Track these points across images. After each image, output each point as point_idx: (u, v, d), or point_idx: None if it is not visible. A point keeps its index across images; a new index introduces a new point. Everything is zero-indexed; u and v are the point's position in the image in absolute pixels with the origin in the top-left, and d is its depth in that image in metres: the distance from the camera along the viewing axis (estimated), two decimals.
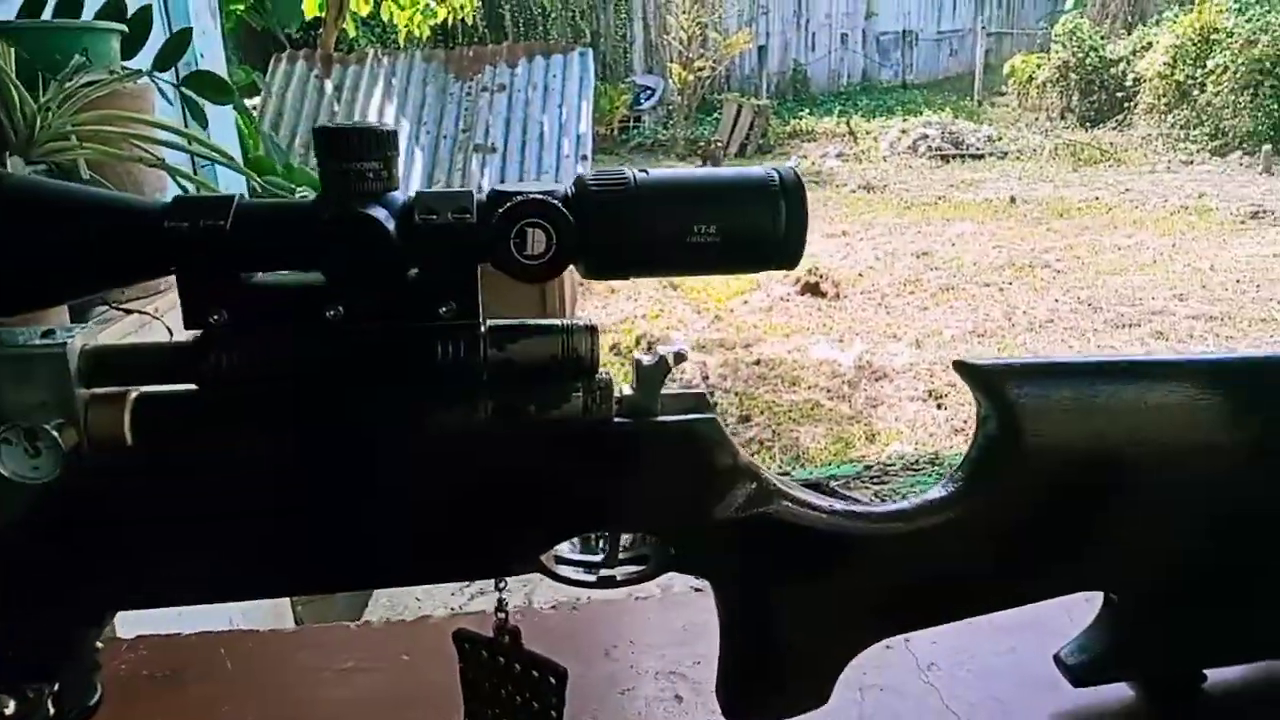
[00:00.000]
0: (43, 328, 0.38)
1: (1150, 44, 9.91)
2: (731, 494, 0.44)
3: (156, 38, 1.31)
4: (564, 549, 0.46)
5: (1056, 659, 0.54)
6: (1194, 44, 9.15)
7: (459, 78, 4.63)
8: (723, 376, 4.49)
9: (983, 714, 0.54)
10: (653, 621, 0.64)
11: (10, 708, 0.39)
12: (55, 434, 0.36)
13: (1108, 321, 4.47)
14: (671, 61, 11.59)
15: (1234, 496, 0.48)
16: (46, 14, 1.08)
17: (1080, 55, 10.40)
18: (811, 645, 0.48)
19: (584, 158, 4.34)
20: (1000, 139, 9.90)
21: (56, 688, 0.41)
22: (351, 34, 7.24)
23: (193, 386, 0.39)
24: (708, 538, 0.44)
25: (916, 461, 3.12)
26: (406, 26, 6.49)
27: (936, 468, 3.02)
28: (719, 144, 10.36)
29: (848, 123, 11.25)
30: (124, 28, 1.11)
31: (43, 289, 0.37)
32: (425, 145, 4.38)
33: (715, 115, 11.71)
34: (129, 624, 0.77)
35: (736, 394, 4.28)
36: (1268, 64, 8.56)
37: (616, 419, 0.42)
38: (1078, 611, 0.54)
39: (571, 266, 0.39)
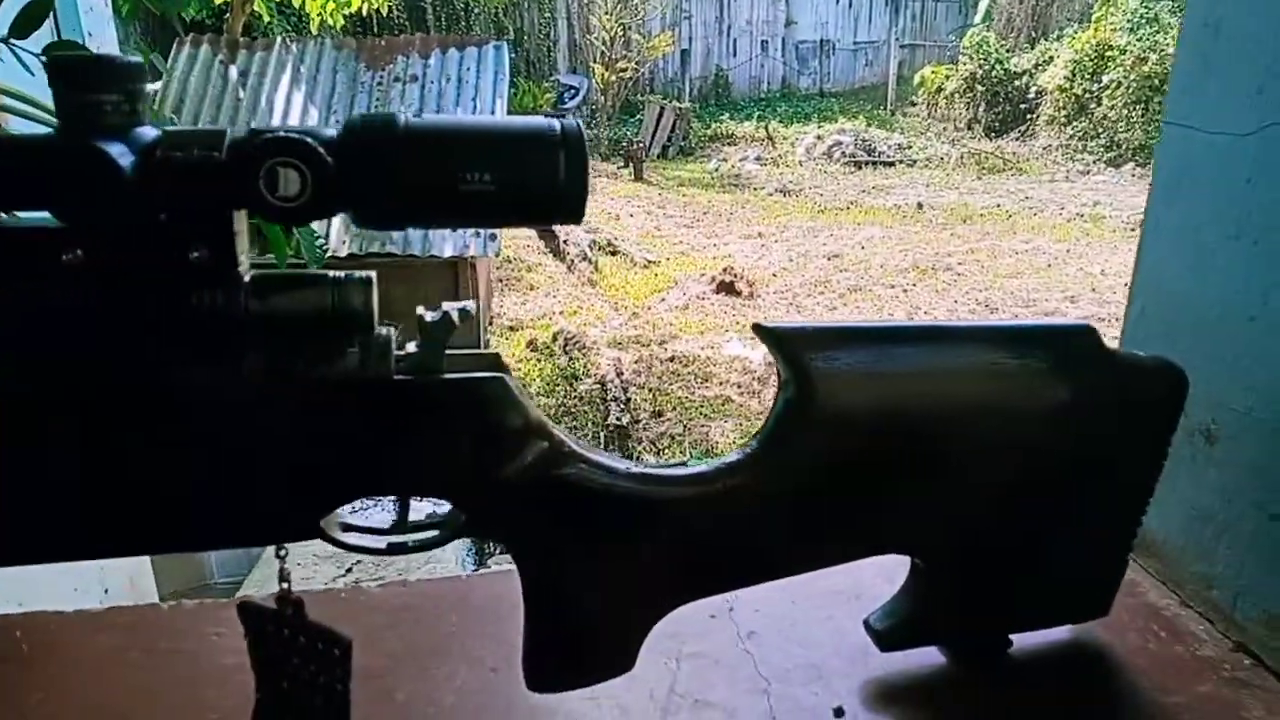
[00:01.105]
0: None
1: (1051, 58, 10.35)
2: (520, 456, 0.43)
3: (18, 2, 1.24)
4: (351, 515, 0.44)
5: (866, 624, 0.54)
6: (1091, 59, 9.59)
7: (370, 67, 4.53)
8: (637, 373, 4.50)
9: (795, 679, 0.54)
10: (478, 595, 0.63)
11: None
12: None
13: None
14: (595, 62, 11.57)
15: (1029, 462, 0.50)
16: None
17: (986, 67, 10.78)
18: (610, 611, 0.47)
19: None
20: (910, 147, 10.19)
21: None
22: (266, 19, 7.01)
23: None
24: (498, 501, 0.43)
25: None
26: (319, 15, 6.31)
27: None
28: (641, 145, 10.37)
29: (766, 128, 11.42)
30: None
31: None
32: None
33: (638, 117, 11.74)
34: None
35: (650, 389, 4.30)
36: (1157, 81, 9.02)
37: (397, 376, 0.41)
38: (897, 579, 0.55)
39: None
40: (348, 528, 0.44)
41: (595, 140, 11.22)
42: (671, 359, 4.65)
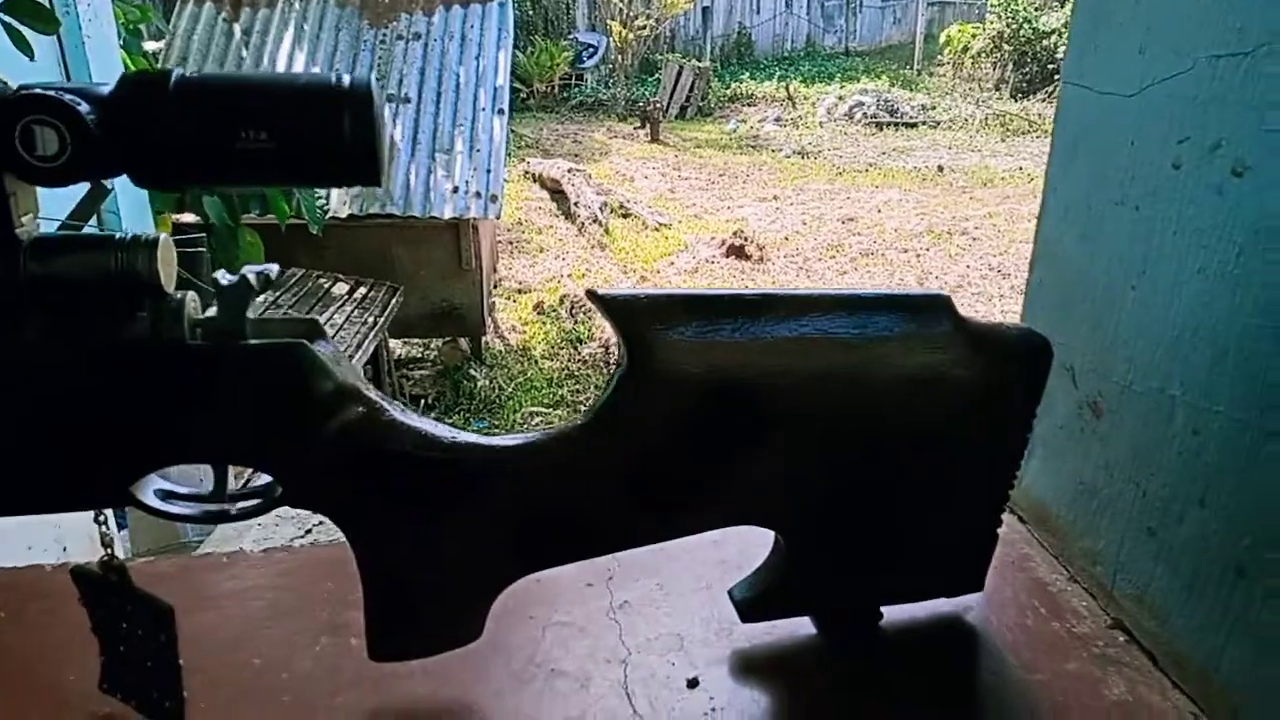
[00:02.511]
0: None
1: None
2: (329, 422, 0.42)
3: None
4: (165, 482, 0.43)
5: (730, 594, 0.53)
6: None
7: (373, 25, 4.49)
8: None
9: (655, 649, 0.53)
10: (340, 565, 0.63)
11: None
12: None
13: (1014, 288, 4.56)
14: (613, 20, 11.40)
15: (879, 432, 0.48)
16: None
17: (1014, 26, 10.50)
18: (443, 580, 0.46)
19: (500, 111, 4.25)
20: (934, 108, 9.98)
21: None
22: None
23: None
24: (309, 469, 0.43)
25: None
26: None
27: None
28: (658, 105, 10.24)
29: (787, 88, 11.22)
30: None
31: None
32: None
33: (657, 76, 11.58)
34: None
35: None
36: None
37: (191, 342, 0.40)
38: None
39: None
40: (168, 495, 0.44)
41: (613, 100, 11.09)
42: None
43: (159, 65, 4.03)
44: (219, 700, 0.49)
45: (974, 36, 11.13)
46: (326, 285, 3.73)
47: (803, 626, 0.55)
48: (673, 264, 5.55)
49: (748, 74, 12.77)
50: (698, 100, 10.92)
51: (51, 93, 0.34)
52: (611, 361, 4.30)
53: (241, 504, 0.44)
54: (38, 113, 0.34)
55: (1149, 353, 0.50)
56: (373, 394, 0.43)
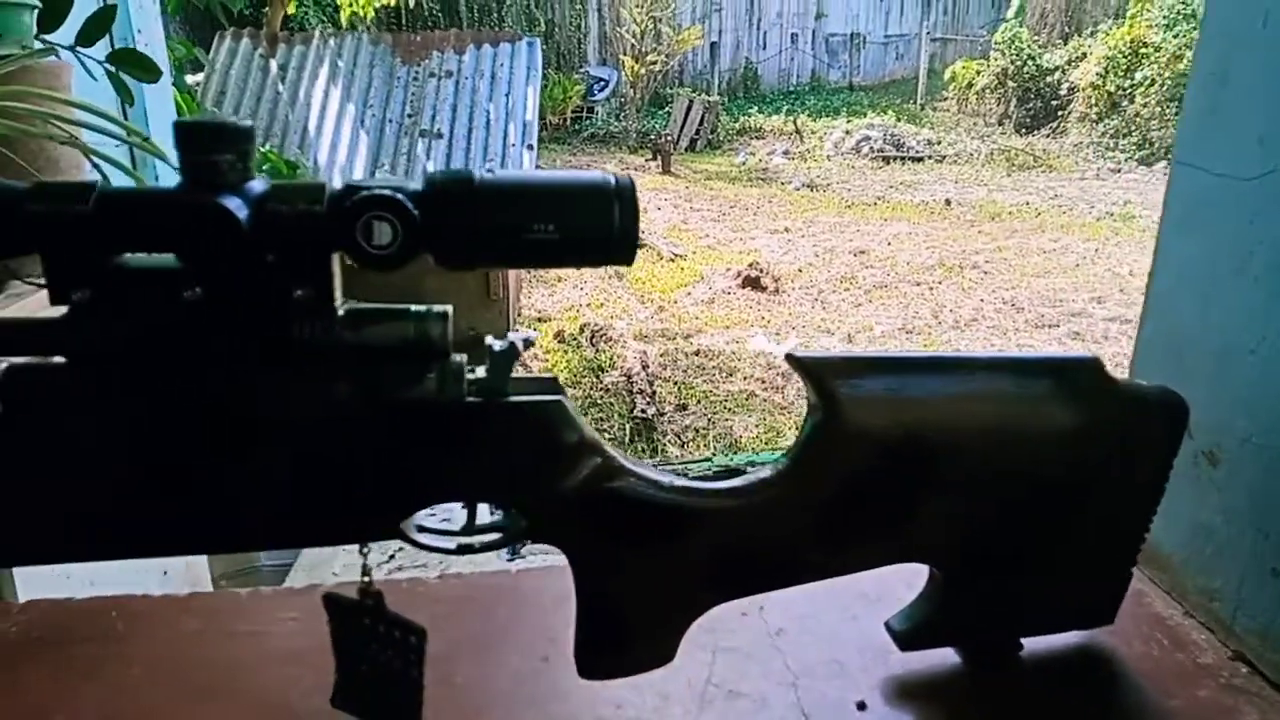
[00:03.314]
0: None
1: (1084, 54, 10.24)
2: (576, 470, 0.48)
3: (84, 11, 1.30)
4: (425, 518, 0.49)
5: (887, 626, 0.59)
6: (1124, 56, 9.49)
7: (406, 62, 4.61)
8: (663, 365, 4.55)
9: (820, 674, 0.59)
10: (528, 590, 0.68)
11: None
12: None
13: (1029, 321, 4.64)
14: (624, 54, 11.60)
15: (1035, 482, 0.54)
16: None
17: (1018, 63, 10.69)
18: (653, 609, 0.52)
19: (529, 146, 4.36)
20: (940, 143, 10.14)
21: None
22: (291, 10, 7.11)
23: (60, 360, 0.42)
24: (556, 510, 0.48)
25: None
26: (350, 6, 6.39)
27: None
28: (669, 138, 10.41)
29: (795, 121, 11.39)
30: (38, 2, 1.10)
31: None
32: (370, 129, 4.35)
33: (667, 109, 11.76)
34: (25, 588, 0.79)
35: (676, 383, 4.35)
36: None
37: (469, 399, 0.46)
38: (917, 584, 0.60)
39: None
40: (422, 529, 0.49)
41: (624, 132, 11.28)
42: (696, 353, 4.69)
43: (199, 98, 4.13)
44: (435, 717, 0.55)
45: (978, 73, 11.33)
46: None
47: (948, 655, 0.60)
48: (689, 294, 5.63)
49: (755, 107, 12.98)
50: (707, 133, 11.10)
51: (387, 193, 0.41)
52: (634, 391, 4.36)
53: (484, 537, 0.50)
54: (379, 210, 0.40)
55: (1272, 411, 0.56)
56: (607, 446, 0.49)
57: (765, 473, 0.52)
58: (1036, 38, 11.23)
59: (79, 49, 1.25)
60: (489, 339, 0.47)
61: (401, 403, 0.45)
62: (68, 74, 1.13)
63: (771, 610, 0.65)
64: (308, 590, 0.68)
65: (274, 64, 4.64)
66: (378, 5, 6.43)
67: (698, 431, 3.87)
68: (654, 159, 9.92)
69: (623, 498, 0.49)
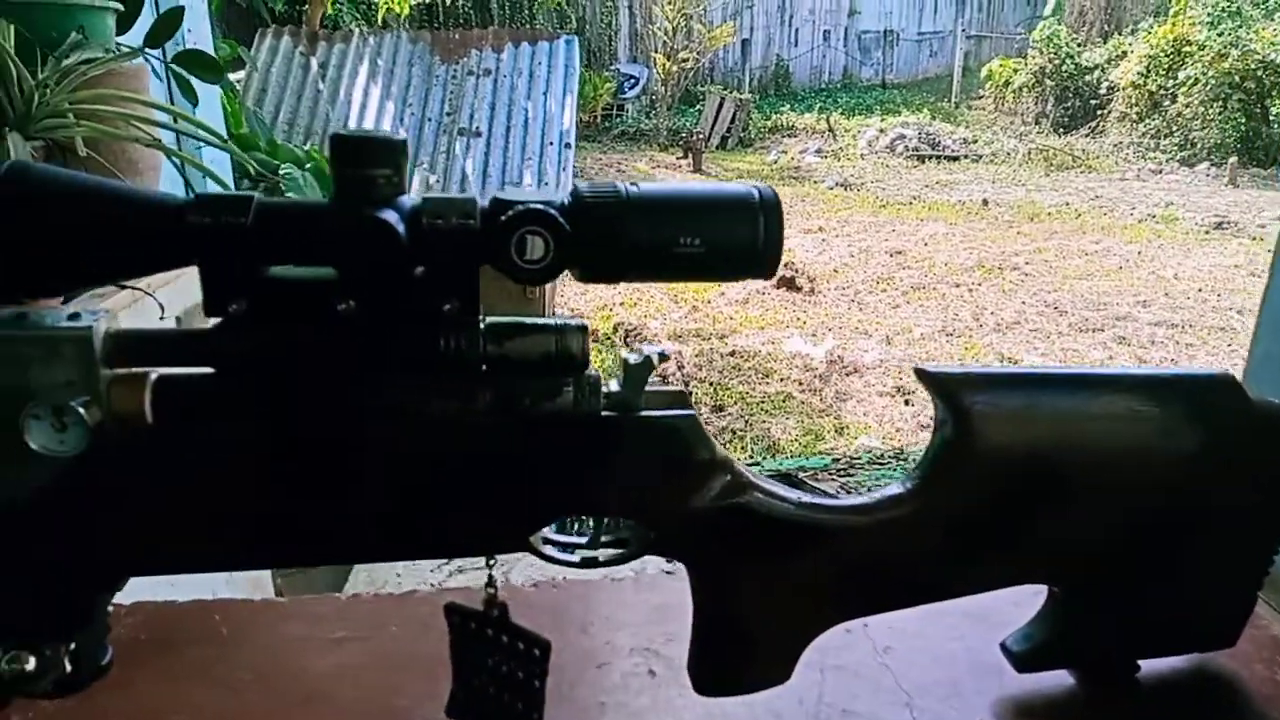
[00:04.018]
0: (69, 310, 0.41)
1: (1125, 53, 10.08)
2: (707, 485, 0.47)
3: (146, 14, 1.32)
4: (551, 531, 0.49)
5: (1003, 646, 0.58)
6: (1167, 55, 9.32)
7: (445, 60, 4.62)
8: (698, 366, 4.54)
9: (933, 694, 0.58)
10: (626, 601, 0.68)
11: (31, 664, 0.42)
12: (81, 411, 0.39)
13: (1072, 325, 4.57)
14: (656, 52, 11.58)
15: (1165, 502, 0.53)
16: None
17: (1057, 62, 10.54)
18: (776, 625, 0.51)
19: (567, 145, 4.35)
20: (976, 141, 10.03)
21: (73, 647, 0.43)
22: (328, 9, 7.17)
23: (208, 370, 0.42)
24: (684, 524, 0.48)
25: (882, 456, 3.18)
26: (386, 5, 6.42)
27: (901, 463, 3.09)
28: (700, 135, 10.38)
29: (828, 120, 11.32)
30: (120, 5, 1.12)
31: (69, 276, 0.40)
32: (410, 127, 4.37)
33: (698, 107, 11.74)
34: (127, 591, 0.80)
35: (711, 384, 4.34)
36: (1237, 78, 8.75)
37: (604, 412, 0.46)
38: (1025, 604, 0.59)
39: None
40: (547, 541, 0.49)
41: (654, 130, 11.26)
42: (732, 353, 4.68)
43: (240, 96, 4.18)
44: None
45: (1016, 71, 11.19)
46: None
47: (1063, 677, 0.59)
48: (723, 294, 5.61)
49: (787, 105, 12.92)
50: (739, 131, 11.06)
51: (541, 208, 0.40)
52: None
53: (608, 551, 0.50)
54: (533, 224, 0.40)
55: None
56: (736, 463, 0.49)
57: (893, 489, 0.51)
58: (1075, 36, 11.07)
59: (146, 50, 1.26)
60: (623, 352, 0.46)
61: (539, 416, 0.45)
62: (145, 76, 1.14)
63: (876, 628, 0.64)
64: (406, 598, 0.69)
65: (314, 62, 4.67)
66: (413, 2, 6.46)
67: (735, 434, 3.86)
68: (685, 157, 9.90)
69: (752, 514, 0.48)
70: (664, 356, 0.46)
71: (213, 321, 0.41)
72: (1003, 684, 0.58)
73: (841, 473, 3.04)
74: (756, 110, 11.85)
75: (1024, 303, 4.95)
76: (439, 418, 0.44)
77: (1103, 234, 6.56)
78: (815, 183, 8.81)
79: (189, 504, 0.42)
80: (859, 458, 3.23)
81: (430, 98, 4.52)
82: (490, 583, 0.50)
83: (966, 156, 9.64)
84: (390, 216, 0.39)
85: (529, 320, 0.45)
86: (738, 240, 0.43)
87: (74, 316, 0.40)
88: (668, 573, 0.72)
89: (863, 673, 0.60)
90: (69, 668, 0.43)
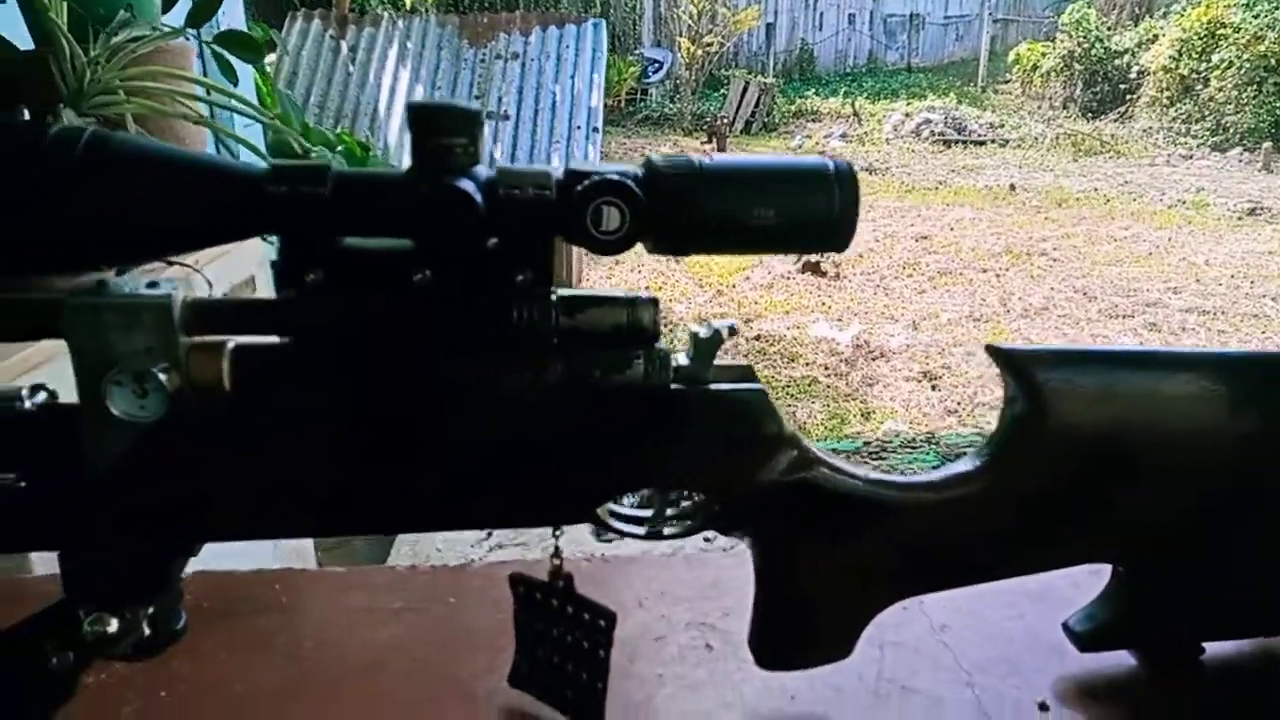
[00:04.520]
0: (147, 279, 0.41)
1: (1156, 36, 9.90)
2: (775, 460, 0.47)
3: None
4: (616, 503, 0.49)
5: (1065, 626, 0.57)
6: (1200, 38, 9.14)
7: (473, 44, 4.62)
8: (723, 350, 4.52)
9: (993, 672, 0.58)
10: (678, 576, 0.68)
11: (113, 627, 0.43)
12: (162, 377, 0.39)
13: (1102, 311, 4.52)
14: (680, 36, 11.51)
15: (1232, 482, 0.52)
16: None
17: (1086, 45, 10.37)
18: (840, 602, 0.51)
19: (595, 129, 4.35)
20: (1002, 126, 9.90)
21: (151, 611, 0.44)
22: None
23: (284, 340, 0.42)
24: (751, 499, 0.48)
25: (914, 440, 3.16)
26: None
27: (934, 446, 3.07)
28: (725, 120, 10.31)
29: (853, 104, 11.21)
30: None
31: (147, 245, 0.40)
32: None
33: (722, 91, 11.66)
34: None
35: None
36: (1273, 60, 8.56)
37: (673, 386, 0.45)
38: (1083, 584, 0.58)
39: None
40: (613, 513, 0.49)
41: (679, 114, 11.20)
42: (757, 338, 4.65)
43: (271, 78, 4.19)
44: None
45: (1044, 55, 11.01)
46: None
47: (1123, 657, 0.59)
48: (748, 278, 5.58)
49: (812, 90, 12.79)
50: (763, 115, 10.97)
51: (617, 178, 0.40)
52: None
53: (673, 525, 0.50)
54: (609, 195, 0.40)
55: None
56: (803, 439, 0.48)
57: (963, 466, 0.51)
58: (1105, 19, 10.88)
59: (188, 30, 1.27)
60: (692, 325, 0.46)
61: (610, 388, 0.45)
62: (191, 54, 1.15)
63: (932, 606, 0.64)
64: (463, 570, 0.69)
65: (344, 45, 4.68)
66: None
67: None
68: (709, 141, 9.84)
69: (819, 489, 0.48)
70: (733, 330, 0.46)
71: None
72: (1063, 663, 0.58)
73: (874, 456, 3.03)
74: (781, 95, 11.74)
75: (1052, 288, 4.89)
76: (510, 390, 0.44)
77: (1132, 220, 6.46)
78: None
79: (263, 471, 0.43)
80: (890, 441, 3.21)
81: (459, 81, 4.52)
82: (556, 553, 0.50)
83: (993, 141, 9.52)
84: (468, 186, 0.39)
85: (600, 292, 0.44)
86: (812, 212, 0.42)
87: (152, 284, 0.40)
88: (724, 550, 0.72)
89: (922, 650, 0.60)
90: (147, 631, 0.44)
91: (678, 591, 0.66)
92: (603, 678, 0.51)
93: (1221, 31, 8.95)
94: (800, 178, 0.42)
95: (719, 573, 0.68)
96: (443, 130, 0.40)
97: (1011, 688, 0.56)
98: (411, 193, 0.39)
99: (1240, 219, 6.44)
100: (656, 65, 12.39)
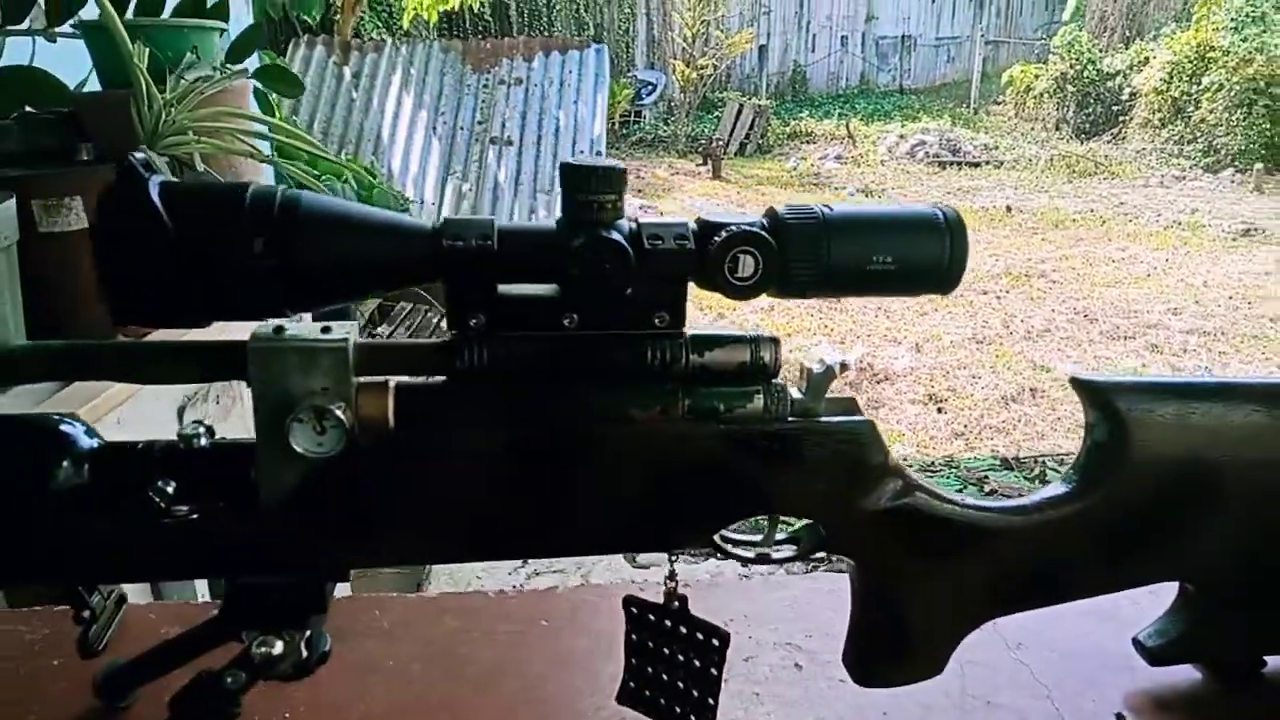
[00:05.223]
0: (320, 324, 0.44)
1: (1147, 59, 10.06)
2: (881, 487, 0.51)
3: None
4: (730, 528, 0.52)
5: (1135, 642, 0.61)
6: (1190, 61, 9.30)
7: (476, 69, 4.68)
8: None
9: (1069, 687, 0.61)
10: (758, 598, 0.71)
11: (278, 648, 0.46)
12: (340, 414, 0.42)
13: (1103, 333, 4.57)
14: (675, 59, 11.63)
15: None
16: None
17: (1078, 67, 10.53)
18: (935, 621, 0.54)
19: (598, 153, 4.40)
20: (997, 148, 10.02)
21: (308, 634, 0.47)
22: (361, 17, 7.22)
23: (440, 379, 0.46)
24: (858, 524, 0.51)
25: (932, 464, 3.20)
26: (415, 9, 6.48)
27: (953, 470, 3.11)
28: (720, 142, 10.42)
29: (847, 125, 11.33)
30: (226, 26, 1.16)
31: (334, 293, 0.43)
32: (442, 136, 4.42)
33: (715, 113, 11.77)
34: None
35: None
36: (1262, 83, 8.71)
37: (790, 419, 0.49)
38: (1142, 602, 0.62)
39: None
40: (724, 538, 0.53)
41: (673, 137, 11.31)
42: None
43: (276, 103, 4.24)
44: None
45: (1037, 77, 11.17)
46: (435, 319, 3.87)
47: (1190, 671, 0.62)
48: (750, 302, 5.62)
49: (805, 111, 12.93)
50: (757, 137, 11.08)
51: (751, 229, 0.44)
52: None
53: (781, 550, 0.53)
54: (745, 245, 0.44)
55: None
56: (904, 467, 0.52)
57: (1050, 491, 0.54)
58: (1096, 41, 11.05)
59: (227, 66, 1.31)
60: (805, 361, 0.50)
61: (732, 422, 0.48)
62: (249, 92, 1.18)
63: (1005, 626, 0.66)
64: (549, 594, 0.72)
65: (347, 71, 4.74)
66: (442, 9, 6.51)
67: None
68: (704, 164, 9.93)
69: (921, 514, 0.51)
70: (845, 366, 0.50)
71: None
72: (1134, 678, 0.61)
73: None
74: (775, 116, 11.87)
75: (1053, 310, 4.95)
76: (644, 423, 0.47)
77: (1129, 241, 6.55)
78: (836, 189, 8.82)
79: (421, 501, 0.46)
80: (907, 464, 3.24)
81: (462, 106, 4.58)
82: (671, 575, 0.54)
83: (988, 163, 9.64)
84: (619, 238, 0.43)
85: (725, 333, 0.48)
86: (926, 258, 0.46)
87: (326, 329, 0.44)
88: (793, 573, 0.75)
89: (1000, 667, 0.63)
90: (304, 653, 0.47)
91: (760, 613, 0.69)
92: (715, 695, 0.54)
93: (1211, 54, 9.11)
94: (915, 225, 0.46)
95: (796, 594, 0.71)
96: (593, 188, 0.43)
97: (1089, 701, 0.60)
98: (567, 244, 0.43)
99: (1235, 240, 6.53)
100: (650, 88, 12.52)
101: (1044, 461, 3.04)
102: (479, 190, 4.34)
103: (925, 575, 0.53)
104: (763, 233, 0.44)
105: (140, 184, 0.39)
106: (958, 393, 3.96)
